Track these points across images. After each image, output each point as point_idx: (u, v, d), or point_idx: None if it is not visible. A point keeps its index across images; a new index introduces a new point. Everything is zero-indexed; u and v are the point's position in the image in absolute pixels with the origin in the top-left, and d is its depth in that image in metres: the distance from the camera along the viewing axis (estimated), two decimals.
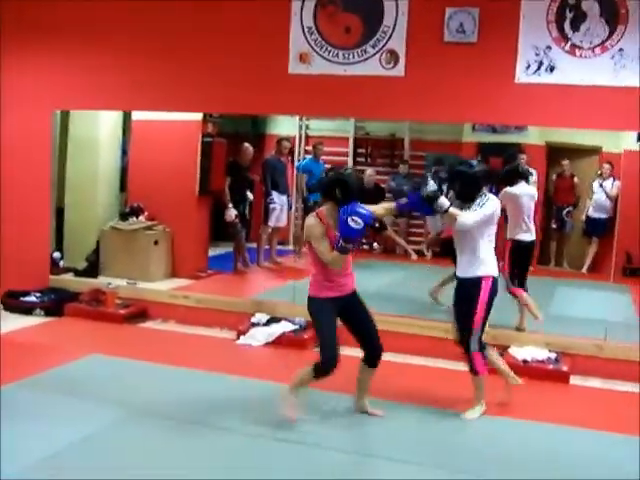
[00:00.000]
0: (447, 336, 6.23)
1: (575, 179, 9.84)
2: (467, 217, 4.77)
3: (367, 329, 4.74)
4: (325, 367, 4.51)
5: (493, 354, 5.23)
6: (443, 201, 4.73)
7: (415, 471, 4.09)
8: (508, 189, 6.69)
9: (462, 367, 5.20)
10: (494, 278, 4.87)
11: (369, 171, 10.29)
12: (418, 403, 5.17)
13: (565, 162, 9.79)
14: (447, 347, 5.44)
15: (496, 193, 5.81)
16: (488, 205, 4.84)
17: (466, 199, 4.88)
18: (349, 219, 4.25)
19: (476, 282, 4.83)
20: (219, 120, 8.55)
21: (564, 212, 9.84)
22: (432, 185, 4.70)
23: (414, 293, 7.78)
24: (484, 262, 4.84)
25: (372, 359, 4.76)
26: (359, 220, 4.24)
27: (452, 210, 4.76)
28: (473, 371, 4.92)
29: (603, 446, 4.59)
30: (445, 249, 7.24)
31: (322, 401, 5.01)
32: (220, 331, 7.01)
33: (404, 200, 4.91)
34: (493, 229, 4.93)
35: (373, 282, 7.04)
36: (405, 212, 7.81)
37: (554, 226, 9.88)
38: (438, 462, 4.22)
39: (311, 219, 4.58)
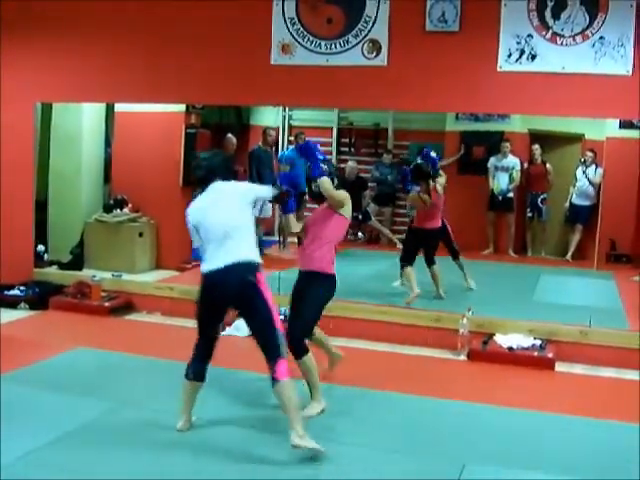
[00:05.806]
0: (436, 325, 6.33)
1: (547, 165, 9.75)
2: None
3: None
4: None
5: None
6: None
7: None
8: None
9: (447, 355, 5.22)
10: None
11: (350, 163, 10.30)
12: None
13: (535, 147, 9.66)
14: (430, 336, 5.47)
15: None
16: None
17: None
18: None
19: None
20: (202, 111, 8.52)
21: (539, 199, 9.75)
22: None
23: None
24: None
25: None
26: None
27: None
28: None
29: (590, 432, 4.62)
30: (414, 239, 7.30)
31: None
32: None
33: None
34: None
35: (358, 271, 7.05)
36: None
37: (530, 214, 9.75)
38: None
39: None
